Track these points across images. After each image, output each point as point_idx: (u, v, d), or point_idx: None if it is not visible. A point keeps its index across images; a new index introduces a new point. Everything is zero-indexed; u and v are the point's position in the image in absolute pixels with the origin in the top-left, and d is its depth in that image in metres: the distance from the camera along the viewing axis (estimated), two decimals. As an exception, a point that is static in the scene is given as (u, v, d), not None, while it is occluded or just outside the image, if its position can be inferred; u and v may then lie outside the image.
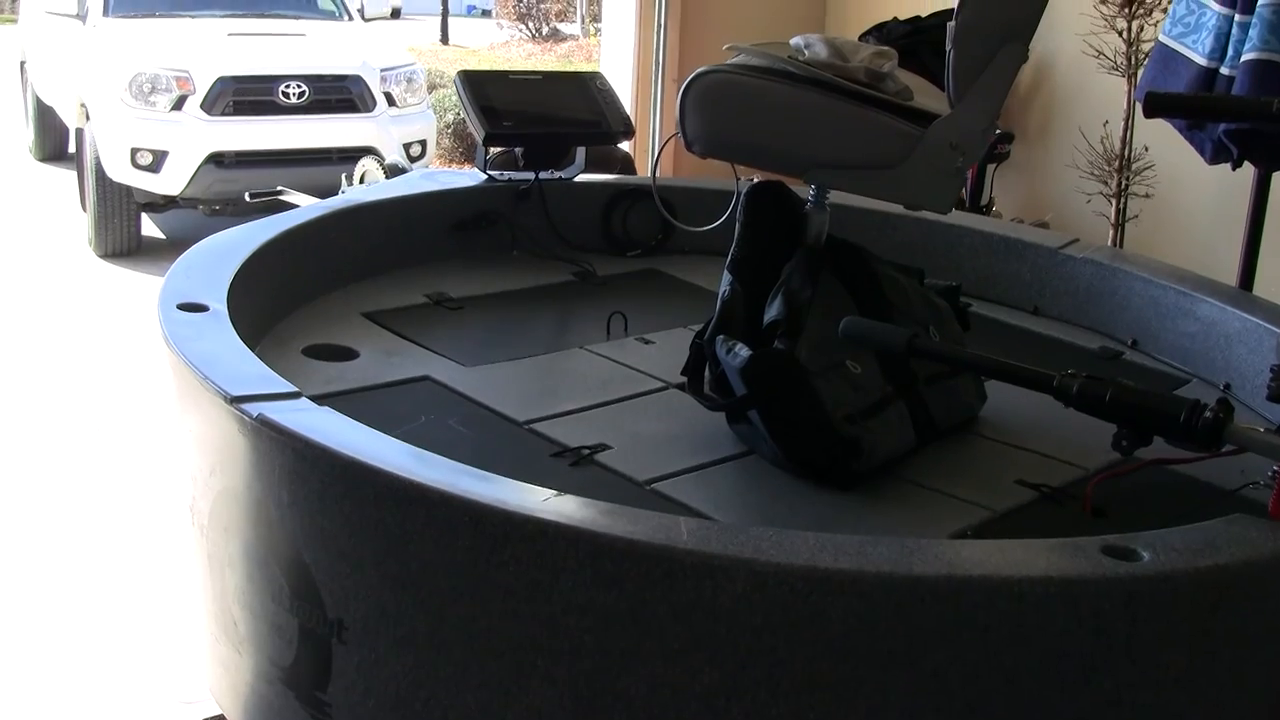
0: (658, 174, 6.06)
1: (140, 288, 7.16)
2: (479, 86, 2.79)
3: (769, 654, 1.36)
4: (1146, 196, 4.32)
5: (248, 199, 5.18)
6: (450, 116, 10.13)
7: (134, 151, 6.99)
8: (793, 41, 2.12)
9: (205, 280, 2.09)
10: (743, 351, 1.95)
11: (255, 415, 1.58)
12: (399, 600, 1.48)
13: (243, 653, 1.73)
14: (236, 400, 1.62)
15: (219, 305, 1.98)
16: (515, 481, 1.48)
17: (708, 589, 1.35)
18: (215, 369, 1.70)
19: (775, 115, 2.00)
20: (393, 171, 4.28)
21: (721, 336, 2.01)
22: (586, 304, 2.71)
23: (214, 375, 1.68)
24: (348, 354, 2.26)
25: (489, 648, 1.44)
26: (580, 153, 2.99)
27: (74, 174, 8.49)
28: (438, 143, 8.98)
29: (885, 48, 2.09)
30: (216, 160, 7.05)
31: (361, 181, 4.62)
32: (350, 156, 7.40)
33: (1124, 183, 4.28)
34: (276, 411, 1.59)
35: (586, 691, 1.41)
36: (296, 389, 1.69)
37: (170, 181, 7.03)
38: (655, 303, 2.73)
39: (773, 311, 2.04)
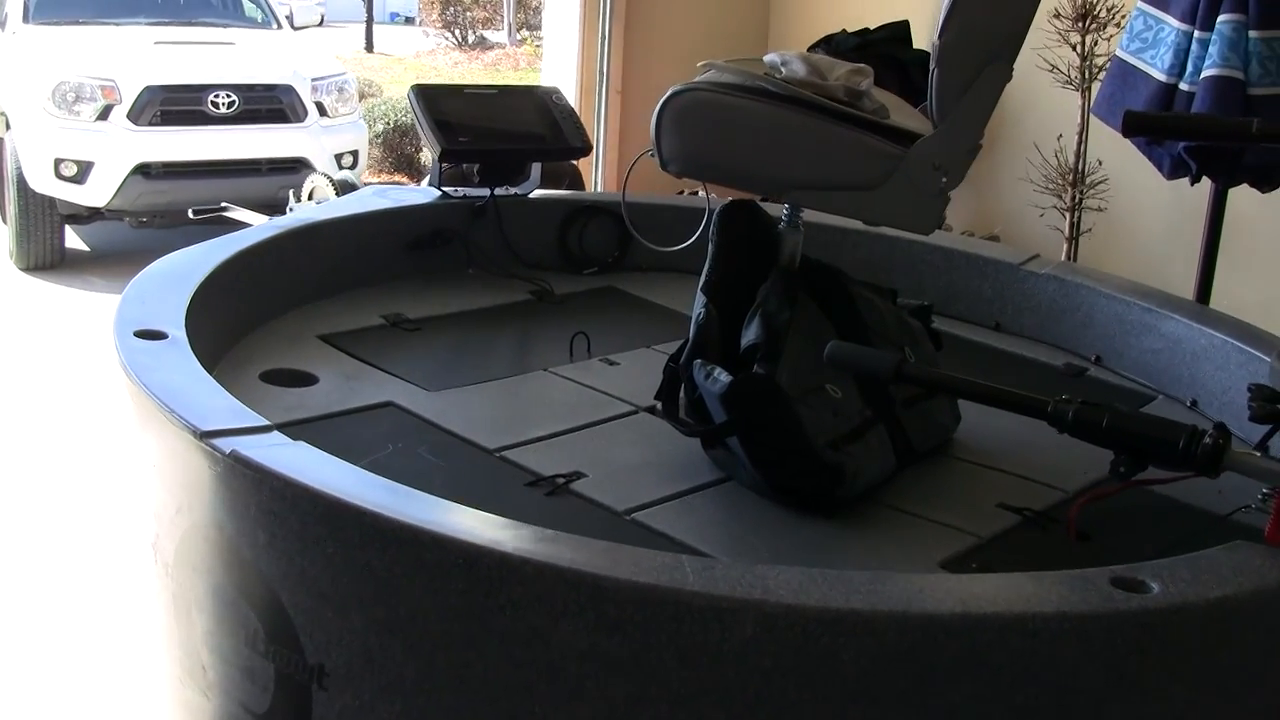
0: (600, 188, 6.02)
1: (65, 301, 6.99)
2: (433, 101, 2.72)
3: (779, 697, 1.31)
4: (1099, 210, 4.34)
5: (190, 216, 5.04)
6: (380, 126, 10.01)
7: (58, 162, 6.82)
8: (767, 58, 2.07)
9: (161, 305, 2.00)
10: (722, 377, 1.90)
11: (228, 452, 1.50)
12: (386, 645, 1.41)
13: (211, 698, 1.64)
14: (207, 435, 1.54)
15: (178, 332, 1.90)
16: (511, 521, 1.42)
17: (716, 632, 1.29)
18: (181, 402, 1.62)
19: (755, 135, 1.95)
20: (344, 188, 4.19)
21: (699, 361, 1.96)
22: (546, 324, 2.65)
23: (180, 409, 1.60)
24: (307, 379, 2.18)
25: (483, 695, 1.37)
26: (536, 168, 2.93)
27: (-7, 185, 8.29)
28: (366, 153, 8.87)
29: (862, 65, 2.05)
30: (144, 171, 6.89)
31: (310, 198, 4.52)
32: (281, 168, 7.28)
33: (1078, 196, 4.30)
34: (250, 447, 1.51)
35: (587, 739, 1.35)
36: (268, 422, 1.62)
37: (96, 193, 6.86)
38: (616, 322, 2.68)
39: (751, 335, 1.99)
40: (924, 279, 2.90)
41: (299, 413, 2.02)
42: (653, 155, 2.06)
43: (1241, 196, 3.35)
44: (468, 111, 2.76)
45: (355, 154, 7.57)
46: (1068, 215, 4.35)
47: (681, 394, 2.05)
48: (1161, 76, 3.24)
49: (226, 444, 1.52)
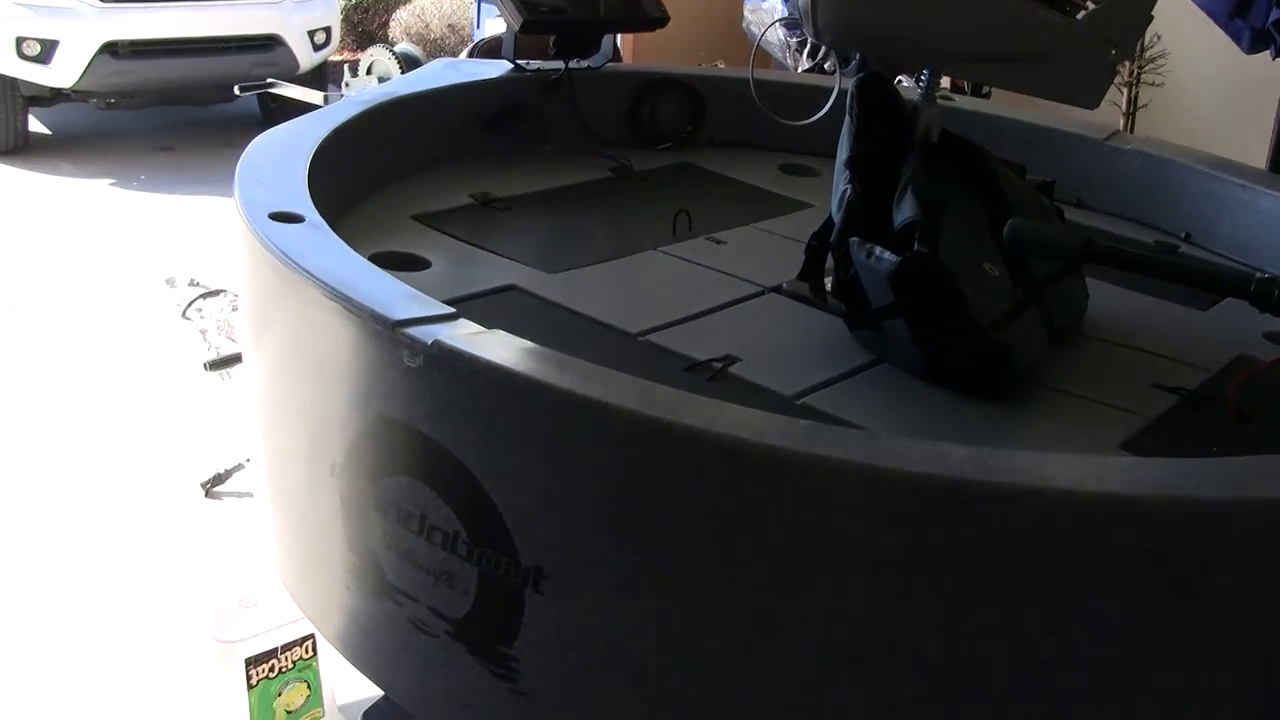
0: (626, 59, 5.81)
1: (32, 187, 6.74)
2: (510, -31, 2.57)
3: (1053, 590, 1.25)
4: (1156, 85, 4.25)
5: (237, 91, 4.81)
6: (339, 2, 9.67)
7: (20, 41, 6.53)
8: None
9: (281, 186, 1.88)
10: (886, 256, 1.81)
11: (430, 342, 1.40)
12: (620, 546, 1.32)
13: (389, 602, 1.55)
14: (400, 325, 1.43)
15: (312, 214, 1.78)
16: (762, 412, 1.33)
17: (996, 523, 1.22)
18: (357, 290, 1.51)
19: (920, 3, 1.84)
20: (408, 62, 4.00)
21: (855, 239, 1.87)
22: (636, 202, 2.56)
23: (362, 298, 1.49)
24: (419, 263, 2.07)
25: (731, 595, 1.30)
26: (608, 40, 2.80)
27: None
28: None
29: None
30: (111, 50, 6.63)
31: (369, 73, 4.32)
32: (253, 45, 7.02)
33: (1136, 71, 4.21)
34: (453, 338, 1.41)
35: (846, 639, 1.28)
36: (453, 309, 1.51)
37: (62, 74, 6.59)
38: (706, 199, 2.58)
39: (906, 212, 1.89)
40: (1001, 154, 2.81)
41: None
42: (751, 30, 1.95)
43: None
44: (544, -20, 2.62)
45: (328, 30, 7.31)
46: (1125, 90, 4.27)
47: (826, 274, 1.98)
48: (1251, -59, 3.15)
49: (425, 333, 1.41)
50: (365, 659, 1.67)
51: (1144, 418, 1.78)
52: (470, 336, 1.42)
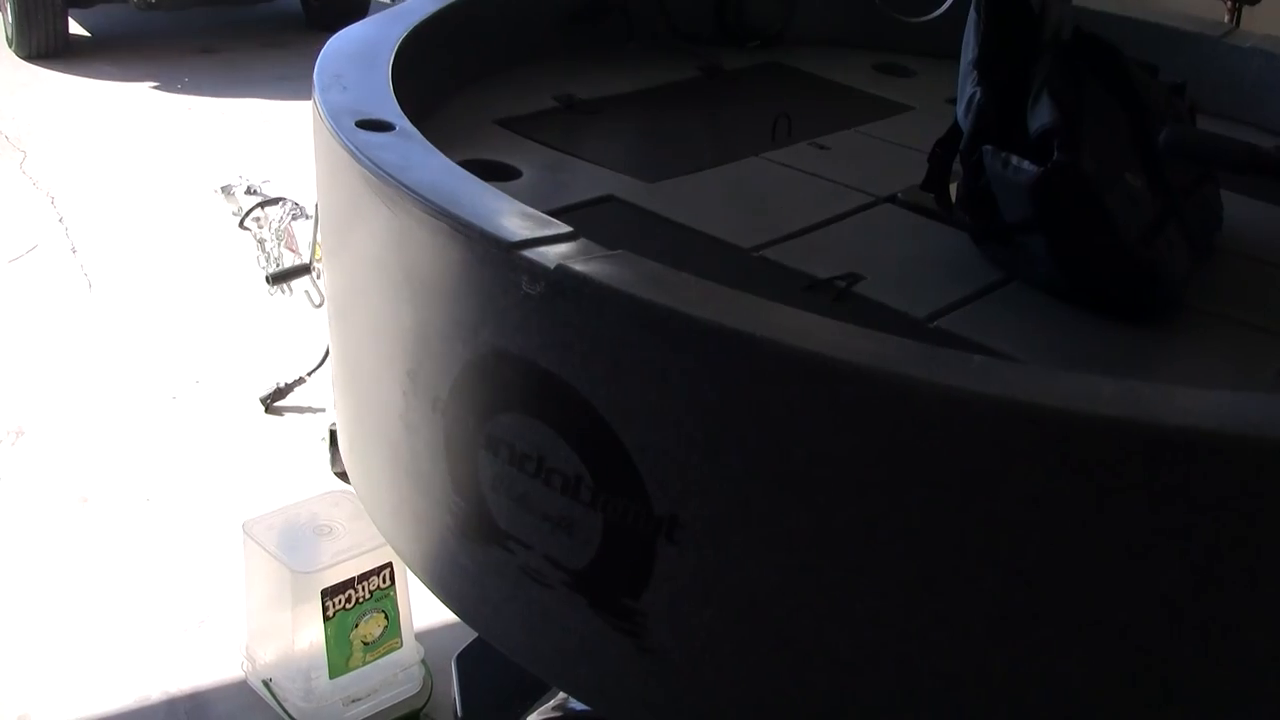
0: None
1: (73, 91, 6.61)
2: None
3: (1249, 546, 1.11)
4: (1266, -25, 4.01)
5: None
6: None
7: (57, -60, 6.36)
8: None
9: (365, 93, 1.73)
10: (1026, 165, 1.66)
11: (553, 266, 1.26)
12: (770, 494, 1.19)
13: (499, 549, 1.43)
14: (516, 247, 1.29)
15: (402, 121, 1.64)
16: (928, 346, 1.20)
17: (1196, 473, 1.09)
18: (464, 207, 1.37)
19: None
20: None
21: (989, 148, 1.72)
22: (730, 104, 2.40)
23: (471, 215, 1.35)
24: (508, 172, 1.93)
25: (894, 549, 1.17)
26: (694, -72, 2.62)
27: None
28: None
29: None
30: (150, -51, 6.45)
31: None
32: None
33: (1246, -40, 3.96)
34: (578, 261, 1.27)
35: (1020, 596, 1.15)
36: (571, 228, 1.37)
37: (101, -28, 6.43)
38: (803, 101, 2.42)
39: (1043, 117, 1.73)
40: None
41: None
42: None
43: None
44: None
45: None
46: (1230, -16, 4.03)
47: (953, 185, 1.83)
48: None
49: (546, 256, 1.27)
50: (467, 606, 1.56)
51: None
52: (598, 259, 1.28)
